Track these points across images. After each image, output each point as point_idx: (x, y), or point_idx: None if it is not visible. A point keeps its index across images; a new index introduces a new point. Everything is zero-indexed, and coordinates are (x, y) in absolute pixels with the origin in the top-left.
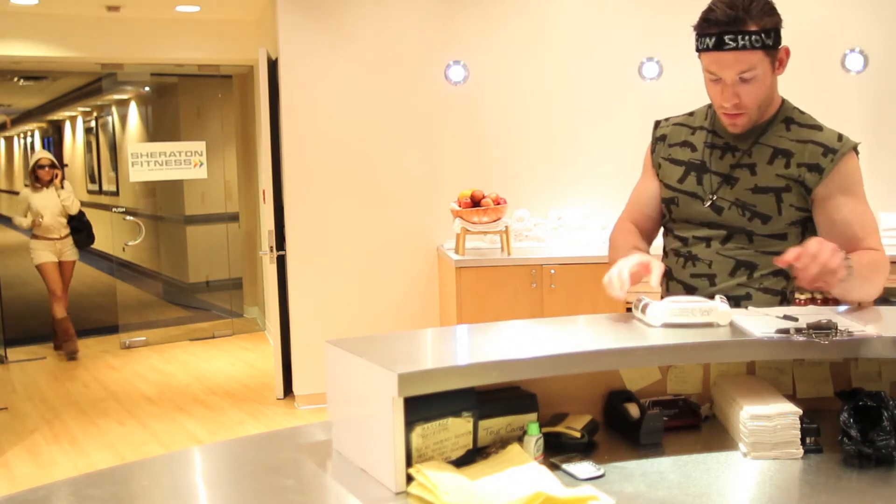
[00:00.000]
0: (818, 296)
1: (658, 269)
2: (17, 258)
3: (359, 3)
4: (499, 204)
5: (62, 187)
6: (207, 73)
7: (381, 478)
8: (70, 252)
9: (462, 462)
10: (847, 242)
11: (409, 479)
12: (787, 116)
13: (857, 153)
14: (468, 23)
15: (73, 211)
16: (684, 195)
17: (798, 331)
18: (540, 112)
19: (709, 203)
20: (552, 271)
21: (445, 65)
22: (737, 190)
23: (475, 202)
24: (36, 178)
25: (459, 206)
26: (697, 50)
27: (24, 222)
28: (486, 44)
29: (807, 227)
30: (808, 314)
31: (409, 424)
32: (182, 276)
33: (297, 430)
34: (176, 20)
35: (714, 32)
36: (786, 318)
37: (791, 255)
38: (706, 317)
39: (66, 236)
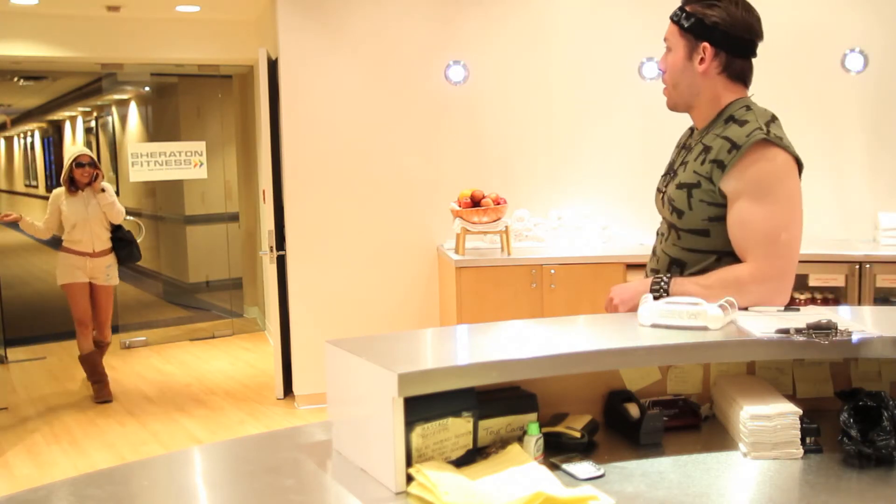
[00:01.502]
0: (818, 296)
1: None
2: (17, 258)
3: (359, 3)
4: (499, 204)
5: (102, 189)
6: (207, 73)
7: (381, 478)
8: (108, 273)
9: (462, 462)
10: (736, 246)
11: (409, 479)
12: (731, 114)
13: (777, 145)
14: (468, 23)
15: (118, 219)
16: (657, 192)
17: (798, 331)
18: (540, 112)
19: (661, 197)
20: (552, 271)
21: (445, 65)
22: (671, 186)
23: (475, 202)
24: (72, 180)
25: (459, 206)
26: None
27: (39, 229)
28: (486, 44)
29: None
30: (807, 314)
31: (409, 424)
32: (182, 276)
33: (297, 430)
34: (176, 20)
35: None
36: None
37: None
38: (694, 320)
39: (103, 252)
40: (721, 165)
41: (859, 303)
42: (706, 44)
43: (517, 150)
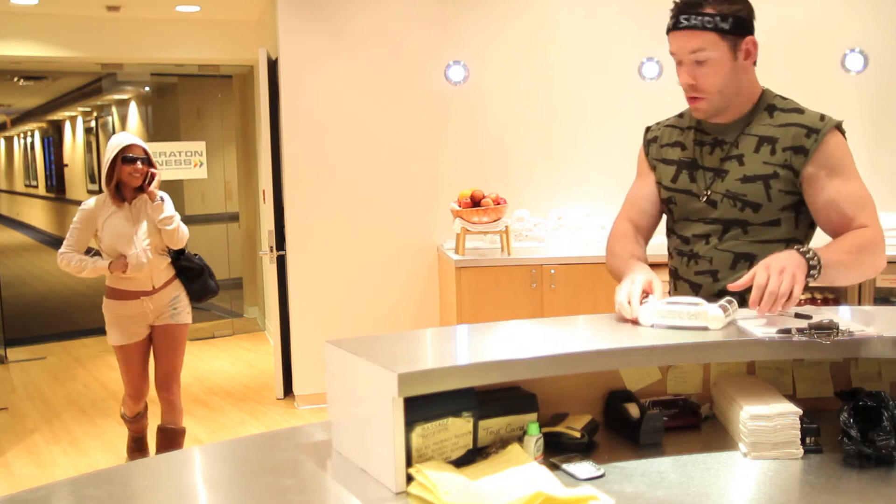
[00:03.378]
0: (818, 296)
1: (659, 287)
2: (17, 258)
3: (359, 3)
4: (499, 204)
5: (159, 199)
6: (207, 73)
7: (381, 478)
8: (173, 307)
9: (462, 462)
10: (838, 222)
11: (409, 479)
12: (770, 104)
13: (841, 131)
14: (468, 23)
15: (181, 243)
16: (680, 194)
17: (799, 331)
18: (540, 112)
19: (704, 199)
20: (552, 271)
21: (445, 65)
22: (727, 182)
23: (475, 202)
24: (117, 186)
25: (459, 206)
26: (666, 34)
27: (91, 267)
28: (486, 44)
29: (800, 211)
30: (807, 314)
31: (409, 424)
32: None
33: (297, 430)
34: (176, 20)
35: (674, 13)
36: (798, 316)
37: (742, 283)
38: (695, 320)
39: (165, 285)
40: (802, 151)
41: (859, 303)
42: (752, 37)
43: (517, 150)
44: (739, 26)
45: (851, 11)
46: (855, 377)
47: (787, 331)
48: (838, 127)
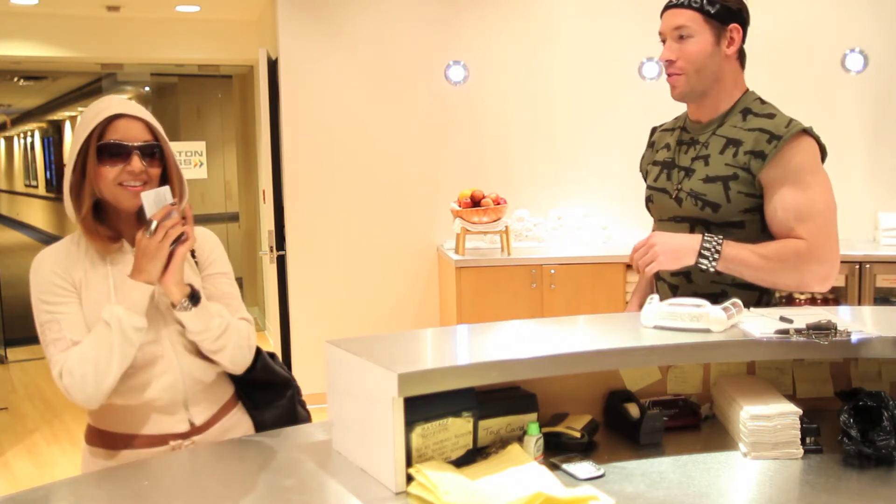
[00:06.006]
0: (818, 296)
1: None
2: (17, 258)
3: (359, 4)
4: (499, 204)
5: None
6: (207, 73)
7: (381, 478)
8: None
9: (462, 462)
10: (779, 230)
11: (409, 479)
12: (746, 107)
13: (812, 136)
14: (468, 23)
15: (241, 362)
16: (657, 192)
17: (798, 331)
18: (540, 112)
19: (674, 196)
20: (552, 271)
21: (445, 65)
22: (692, 181)
23: (475, 202)
24: (97, 209)
25: (459, 206)
26: (660, 18)
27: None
28: (486, 44)
29: (763, 215)
30: (807, 314)
31: (409, 424)
32: None
33: (297, 430)
34: (176, 20)
35: None
36: (782, 319)
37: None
38: (696, 322)
39: (216, 419)
40: (761, 156)
41: (859, 303)
42: (736, 25)
43: (517, 150)
44: (725, 13)
45: (851, 11)
46: (855, 377)
47: (786, 331)
48: (807, 131)
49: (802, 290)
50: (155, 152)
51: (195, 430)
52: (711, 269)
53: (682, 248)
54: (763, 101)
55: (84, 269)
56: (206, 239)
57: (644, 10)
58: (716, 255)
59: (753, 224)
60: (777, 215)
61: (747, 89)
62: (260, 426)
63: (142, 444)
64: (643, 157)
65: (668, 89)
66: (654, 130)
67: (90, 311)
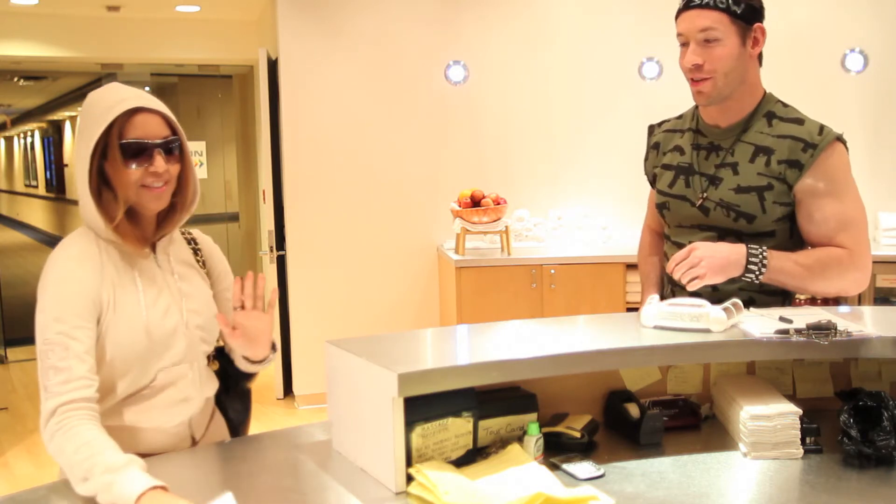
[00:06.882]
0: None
1: None
2: (17, 258)
3: (359, 4)
4: (499, 204)
5: (192, 241)
6: (207, 73)
7: (381, 478)
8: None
9: (462, 462)
10: (820, 238)
11: (409, 479)
12: (769, 111)
13: (843, 142)
14: (468, 23)
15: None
16: (674, 199)
17: (798, 331)
18: (540, 112)
19: (698, 204)
20: (552, 271)
21: (445, 65)
22: (721, 190)
23: (475, 202)
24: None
25: (459, 206)
26: (675, 19)
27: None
28: (486, 44)
29: (794, 222)
30: (806, 314)
31: (409, 424)
32: None
33: (297, 430)
34: (176, 20)
35: None
36: (782, 319)
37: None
38: (696, 322)
39: (209, 425)
40: (797, 165)
41: (859, 303)
42: (760, 25)
43: (517, 150)
44: (751, 13)
45: (851, 11)
46: (855, 377)
47: (786, 331)
48: (839, 138)
49: (839, 296)
50: (175, 149)
51: (196, 443)
52: (756, 282)
53: (729, 262)
54: (785, 105)
55: (112, 284)
56: (210, 247)
57: (644, 10)
58: (762, 268)
59: (784, 232)
60: (816, 225)
61: (765, 91)
62: (231, 424)
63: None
64: (646, 158)
65: (667, 89)
66: (652, 129)
67: (118, 329)
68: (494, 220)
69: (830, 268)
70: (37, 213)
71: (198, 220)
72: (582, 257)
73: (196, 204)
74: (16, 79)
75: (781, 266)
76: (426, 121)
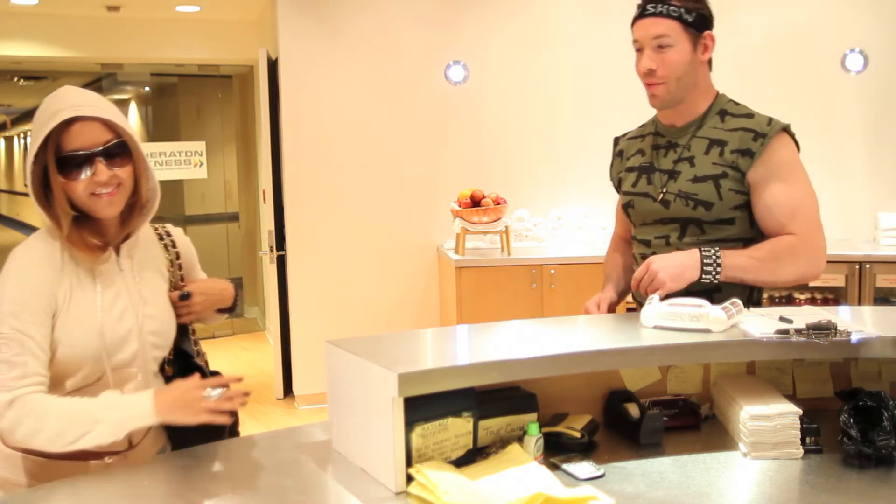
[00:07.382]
0: (818, 296)
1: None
2: None
3: (359, 4)
4: (499, 204)
5: (166, 234)
6: (207, 73)
7: (381, 478)
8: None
9: (462, 462)
10: (772, 227)
11: (409, 479)
12: (722, 109)
13: (789, 134)
14: (468, 23)
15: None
16: (638, 196)
17: (798, 331)
18: (540, 112)
19: (659, 199)
20: (552, 271)
21: (445, 65)
22: (679, 182)
23: (475, 202)
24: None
25: (459, 206)
26: (631, 27)
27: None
28: (486, 44)
29: (752, 211)
30: (806, 314)
31: (409, 424)
32: None
33: (297, 430)
34: (176, 20)
35: (641, 3)
36: (782, 319)
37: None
38: (696, 322)
39: (148, 432)
40: (749, 154)
41: (859, 303)
42: (710, 32)
43: (517, 150)
44: (701, 21)
45: (851, 11)
46: (855, 377)
47: (786, 331)
48: (786, 130)
49: (799, 284)
50: (118, 152)
51: (132, 447)
52: (715, 282)
53: (684, 266)
54: (736, 103)
55: (71, 285)
56: (182, 239)
57: None
58: (717, 267)
59: (743, 221)
60: (769, 211)
61: (717, 92)
62: (174, 439)
63: (78, 456)
64: (611, 166)
65: None
66: (617, 140)
67: (71, 329)
68: (494, 220)
69: (783, 256)
70: (37, 213)
71: (198, 220)
72: (582, 257)
73: (157, 202)
74: (16, 79)
75: (736, 262)
76: (426, 121)
